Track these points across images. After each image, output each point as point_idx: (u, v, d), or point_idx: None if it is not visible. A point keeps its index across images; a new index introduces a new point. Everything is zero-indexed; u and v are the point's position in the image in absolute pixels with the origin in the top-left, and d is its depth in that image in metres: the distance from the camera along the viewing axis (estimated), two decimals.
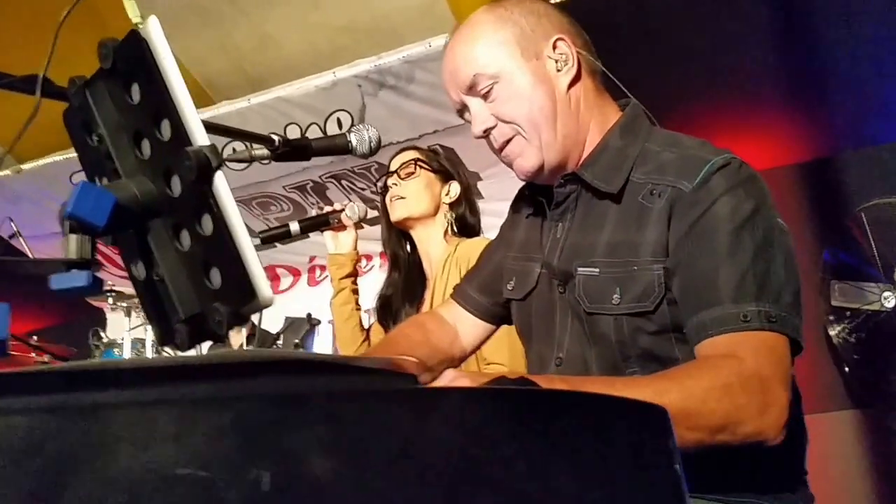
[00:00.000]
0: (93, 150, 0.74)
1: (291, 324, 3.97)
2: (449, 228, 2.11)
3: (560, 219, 1.23)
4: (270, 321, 4.07)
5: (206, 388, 0.45)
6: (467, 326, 1.46)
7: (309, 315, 3.89)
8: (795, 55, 3.45)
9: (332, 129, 3.94)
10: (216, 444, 0.40)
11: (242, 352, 0.52)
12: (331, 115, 3.94)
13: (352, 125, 1.30)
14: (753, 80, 3.44)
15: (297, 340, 3.92)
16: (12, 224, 3.80)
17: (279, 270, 5.69)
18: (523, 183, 1.32)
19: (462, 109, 1.23)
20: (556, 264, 1.20)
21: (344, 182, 4.57)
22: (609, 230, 1.13)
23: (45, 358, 4.73)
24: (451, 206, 2.14)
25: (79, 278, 0.66)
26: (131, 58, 0.67)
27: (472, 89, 1.18)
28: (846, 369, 3.59)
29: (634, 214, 1.11)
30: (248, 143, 1.21)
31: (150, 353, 3.78)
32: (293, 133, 4.29)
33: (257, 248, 0.66)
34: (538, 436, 0.44)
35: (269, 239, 1.97)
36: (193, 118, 0.64)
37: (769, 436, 0.92)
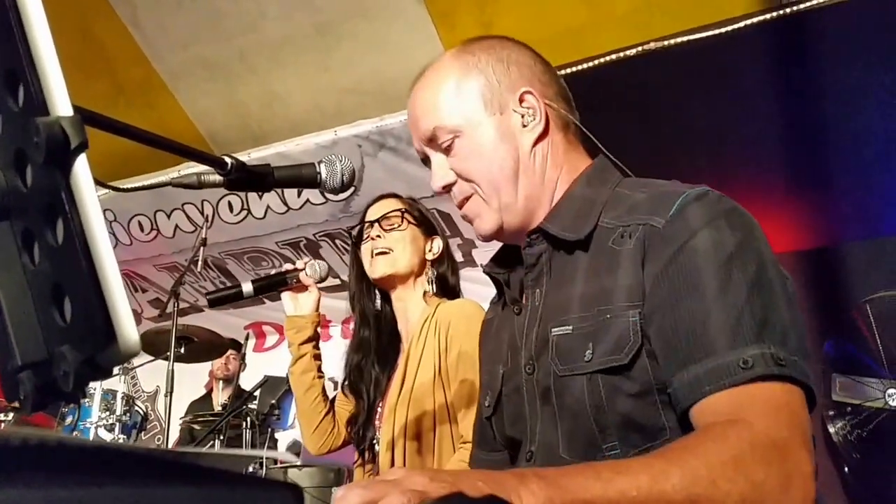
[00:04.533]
0: None
1: (267, 381, 3.80)
2: (430, 287, 1.92)
3: (535, 284, 1.08)
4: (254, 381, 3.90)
5: None
6: None
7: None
8: (799, 142, 3.42)
9: None
10: None
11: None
12: None
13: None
14: (756, 165, 3.38)
15: (273, 401, 3.75)
16: None
17: (265, 328, 5.60)
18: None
19: (425, 159, 1.14)
20: (534, 334, 1.04)
21: (338, 241, 4.52)
22: (581, 282, 0.99)
23: (10, 417, 4.35)
24: (434, 263, 1.96)
25: None
26: None
27: (432, 142, 1.10)
28: (846, 469, 3.37)
29: (605, 261, 0.98)
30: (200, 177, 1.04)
31: (119, 405, 3.55)
32: (289, 191, 4.26)
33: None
34: None
35: (218, 301, 1.68)
36: (56, 80, 0.46)
37: None
